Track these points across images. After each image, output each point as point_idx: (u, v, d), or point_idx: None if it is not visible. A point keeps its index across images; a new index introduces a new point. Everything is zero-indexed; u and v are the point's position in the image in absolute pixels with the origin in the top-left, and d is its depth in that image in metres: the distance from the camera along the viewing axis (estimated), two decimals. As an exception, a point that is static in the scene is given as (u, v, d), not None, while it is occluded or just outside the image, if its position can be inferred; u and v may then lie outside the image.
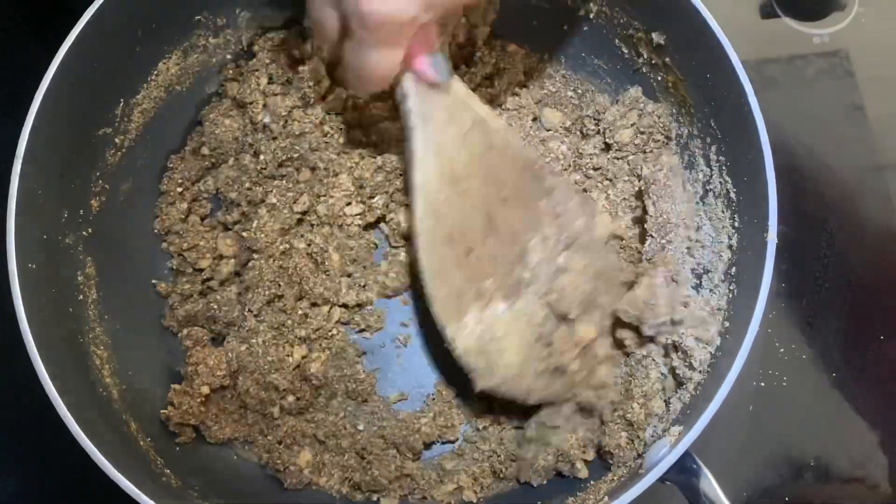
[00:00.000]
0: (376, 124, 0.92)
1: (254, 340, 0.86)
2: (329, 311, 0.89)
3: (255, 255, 0.88)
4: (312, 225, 0.90)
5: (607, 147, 0.91)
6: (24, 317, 0.71)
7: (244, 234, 0.88)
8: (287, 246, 0.89)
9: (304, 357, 0.87)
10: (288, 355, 0.86)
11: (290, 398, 0.85)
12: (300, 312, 0.88)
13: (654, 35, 0.84)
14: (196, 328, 0.88)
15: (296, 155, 0.89)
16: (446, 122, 0.73)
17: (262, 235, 0.87)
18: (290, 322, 0.87)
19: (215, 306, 0.87)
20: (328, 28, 0.68)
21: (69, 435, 0.69)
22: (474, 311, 0.75)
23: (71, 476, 0.88)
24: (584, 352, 0.79)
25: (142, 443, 0.79)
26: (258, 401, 0.84)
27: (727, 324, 0.77)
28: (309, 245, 0.89)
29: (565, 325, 0.78)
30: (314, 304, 0.88)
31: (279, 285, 0.87)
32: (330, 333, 0.89)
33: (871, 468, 0.90)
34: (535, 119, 0.94)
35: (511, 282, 0.76)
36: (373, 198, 0.91)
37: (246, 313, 0.87)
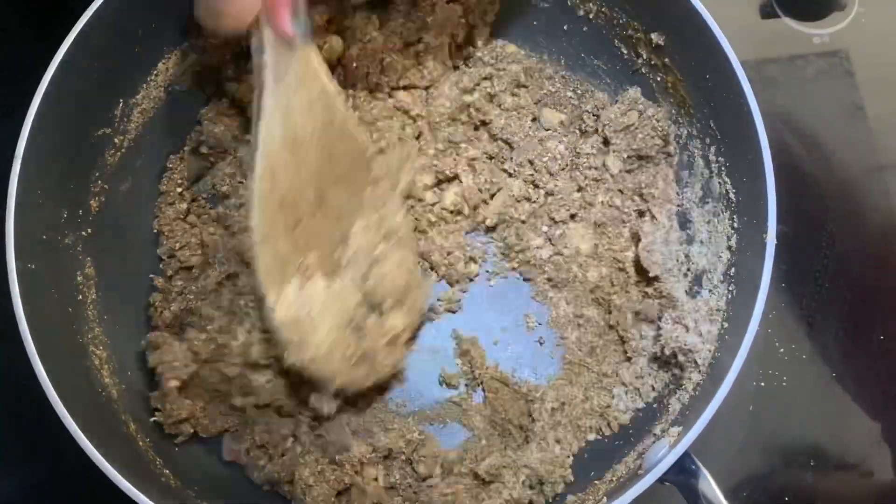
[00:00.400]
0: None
1: (210, 327, 0.84)
2: None
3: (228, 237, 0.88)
4: None
5: (606, 144, 0.91)
6: (24, 317, 0.71)
7: (220, 212, 0.88)
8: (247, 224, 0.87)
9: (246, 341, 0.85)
10: (233, 339, 0.83)
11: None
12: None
13: (653, 35, 0.84)
14: (152, 333, 0.86)
15: None
16: (296, 86, 0.71)
17: (234, 212, 0.87)
18: (241, 304, 0.85)
19: (191, 297, 0.87)
20: None
21: (68, 435, 0.69)
22: (295, 283, 0.74)
23: (70, 476, 0.88)
24: (390, 342, 0.80)
25: (141, 443, 0.79)
26: (221, 391, 0.84)
27: (726, 324, 0.77)
28: None
29: (376, 314, 0.79)
30: None
31: (231, 262, 0.86)
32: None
33: (872, 468, 0.90)
34: (534, 119, 0.94)
35: (332, 261, 0.77)
36: None
37: (201, 302, 0.87)
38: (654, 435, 0.79)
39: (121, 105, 0.87)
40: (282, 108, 0.70)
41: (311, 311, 0.75)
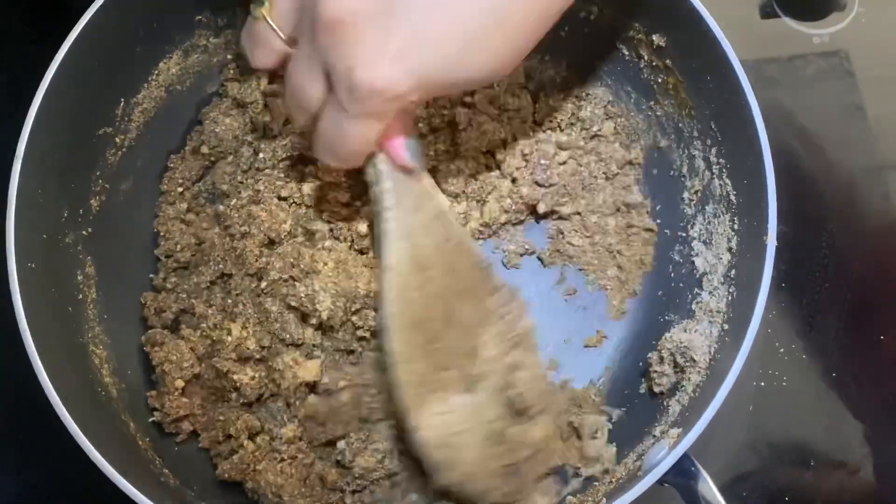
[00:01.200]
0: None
1: (203, 325, 0.84)
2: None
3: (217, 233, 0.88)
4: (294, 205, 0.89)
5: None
6: (24, 316, 0.71)
7: (220, 210, 0.88)
8: (247, 229, 0.86)
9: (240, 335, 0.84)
10: (228, 334, 0.83)
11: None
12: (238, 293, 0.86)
13: (654, 37, 0.84)
14: (151, 330, 0.85)
15: (295, 153, 0.89)
16: (416, 208, 0.73)
17: (234, 213, 0.86)
18: (230, 302, 0.85)
19: (184, 296, 0.86)
20: (309, 95, 0.67)
21: (68, 434, 0.68)
22: (436, 403, 0.74)
23: (69, 476, 0.88)
24: (536, 452, 0.78)
25: (140, 442, 0.79)
26: (217, 388, 0.83)
27: (726, 326, 0.77)
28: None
29: (518, 423, 0.77)
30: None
31: (227, 263, 0.86)
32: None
33: (871, 468, 0.90)
34: (535, 122, 0.94)
35: (467, 376, 0.76)
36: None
37: (194, 300, 0.86)
38: (654, 436, 0.78)
39: (122, 104, 0.87)
40: (406, 231, 0.72)
41: (452, 430, 0.74)
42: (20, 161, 0.75)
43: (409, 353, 0.73)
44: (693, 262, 0.86)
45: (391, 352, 0.73)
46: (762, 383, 0.91)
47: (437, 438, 0.74)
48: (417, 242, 0.73)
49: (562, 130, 0.94)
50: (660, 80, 0.88)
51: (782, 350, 0.93)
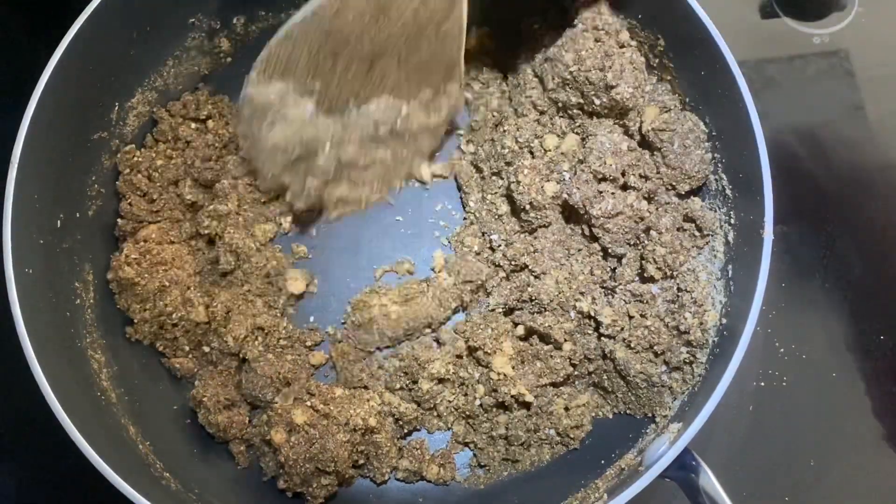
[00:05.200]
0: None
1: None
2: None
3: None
4: None
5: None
6: (22, 321, 0.74)
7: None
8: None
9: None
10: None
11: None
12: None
13: (650, 34, 0.88)
14: (177, 359, 0.91)
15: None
16: None
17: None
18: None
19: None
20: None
21: (67, 437, 0.72)
22: (281, 87, 0.81)
23: (70, 479, 0.91)
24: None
25: (141, 446, 0.82)
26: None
27: (724, 320, 0.80)
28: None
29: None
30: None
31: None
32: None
33: (871, 467, 0.93)
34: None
35: (335, 103, 0.83)
36: None
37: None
38: (655, 432, 0.82)
39: (116, 108, 0.91)
40: None
41: (279, 111, 0.81)
42: (16, 166, 0.78)
43: (302, 38, 0.78)
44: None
45: (293, 17, 0.78)
46: (762, 383, 0.94)
47: (258, 103, 0.82)
48: None
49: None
50: (656, 76, 0.91)
51: (782, 350, 0.96)
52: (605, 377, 0.87)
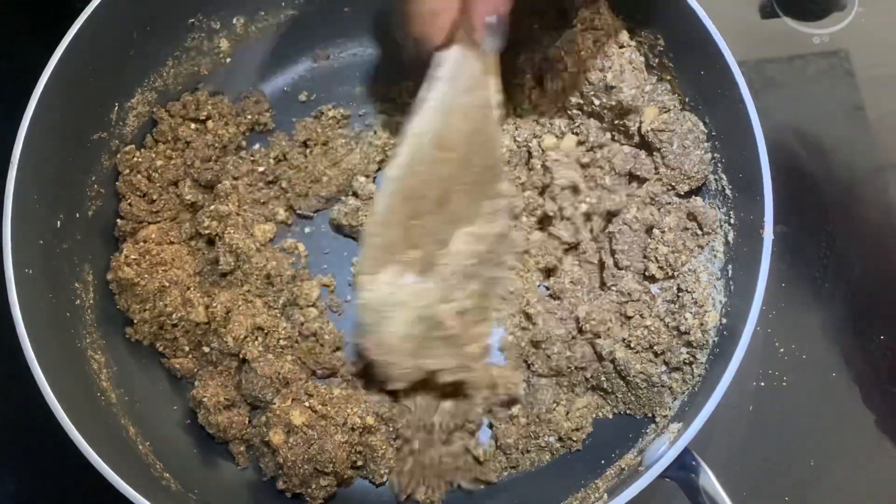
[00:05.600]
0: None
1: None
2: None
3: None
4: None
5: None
6: (22, 322, 0.74)
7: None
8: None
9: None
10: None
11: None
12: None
13: (650, 33, 0.88)
14: (177, 359, 0.91)
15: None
16: (466, 90, 0.76)
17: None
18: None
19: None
20: None
21: (68, 439, 0.72)
22: (390, 273, 0.80)
23: (70, 480, 0.91)
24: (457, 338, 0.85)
25: (140, 447, 0.82)
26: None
27: (724, 320, 0.80)
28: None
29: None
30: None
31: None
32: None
33: (871, 467, 0.93)
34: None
35: (429, 261, 0.82)
36: None
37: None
38: (655, 432, 0.82)
39: (116, 109, 0.91)
40: (444, 107, 0.75)
41: (393, 302, 0.80)
42: (16, 166, 0.78)
43: (391, 218, 0.77)
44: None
45: (374, 210, 0.78)
46: (762, 383, 0.95)
47: (375, 303, 0.80)
48: (450, 122, 0.76)
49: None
50: (655, 76, 0.90)
51: (782, 350, 0.96)
52: (603, 378, 0.88)
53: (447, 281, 0.82)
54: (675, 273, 0.84)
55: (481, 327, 0.88)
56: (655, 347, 0.83)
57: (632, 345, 0.84)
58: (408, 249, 0.80)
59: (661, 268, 0.85)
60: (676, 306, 0.83)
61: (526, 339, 0.91)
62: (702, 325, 0.80)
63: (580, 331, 0.88)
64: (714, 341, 0.80)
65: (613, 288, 0.89)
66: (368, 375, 0.90)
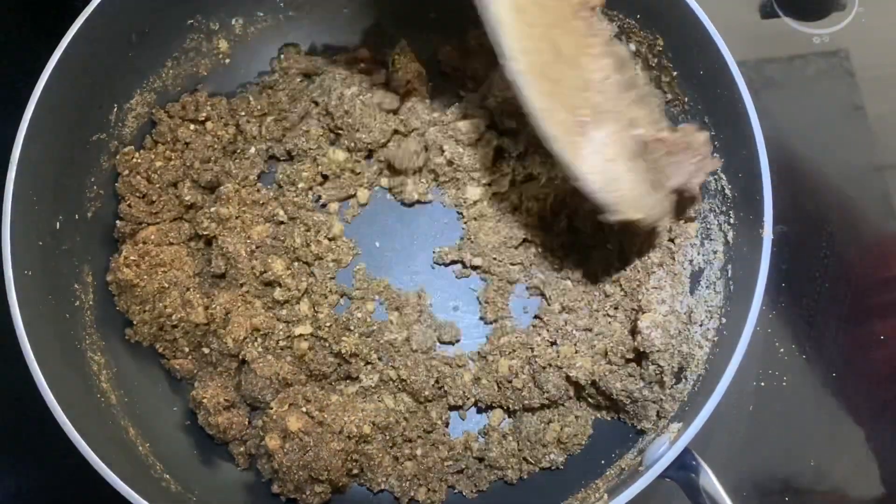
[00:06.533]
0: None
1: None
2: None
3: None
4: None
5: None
6: (22, 323, 0.75)
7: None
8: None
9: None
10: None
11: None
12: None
13: (649, 33, 0.89)
14: (176, 360, 0.92)
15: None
16: None
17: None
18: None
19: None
20: None
21: (68, 440, 0.72)
22: (584, 144, 0.77)
23: (69, 479, 0.92)
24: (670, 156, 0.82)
25: (140, 448, 0.82)
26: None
27: (724, 320, 0.81)
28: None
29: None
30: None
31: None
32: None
33: (871, 467, 0.93)
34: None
35: (593, 107, 0.78)
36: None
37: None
38: (654, 432, 0.83)
39: (115, 110, 0.91)
40: None
41: (608, 158, 0.77)
42: (15, 168, 0.79)
43: (547, 104, 0.75)
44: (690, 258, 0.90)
45: (533, 110, 0.74)
46: (762, 383, 0.95)
47: (600, 176, 0.77)
48: None
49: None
50: (654, 75, 0.92)
51: (782, 350, 0.96)
52: (590, 399, 0.89)
53: (618, 111, 0.80)
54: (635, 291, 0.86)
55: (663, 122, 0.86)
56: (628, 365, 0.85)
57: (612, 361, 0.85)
58: (574, 113, 0.77)
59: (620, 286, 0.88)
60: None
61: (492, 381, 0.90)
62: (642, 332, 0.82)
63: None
64: (713, 342, 0.81)
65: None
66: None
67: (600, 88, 0.79)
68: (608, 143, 0.77)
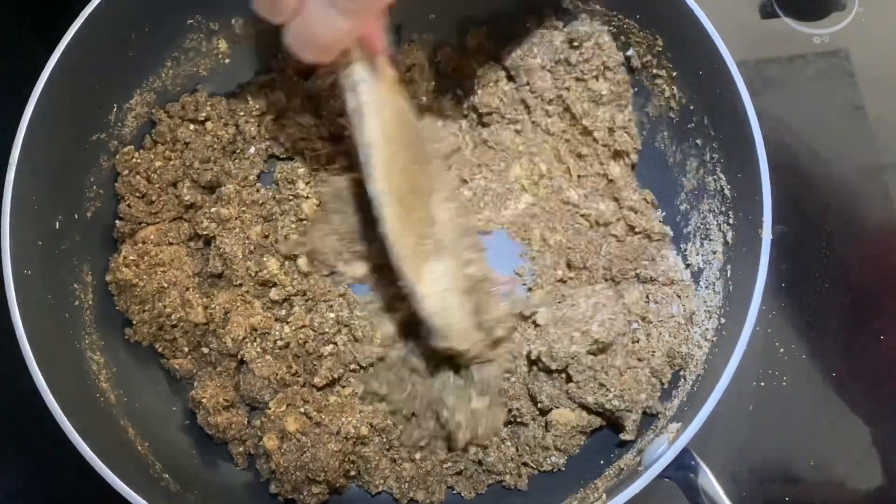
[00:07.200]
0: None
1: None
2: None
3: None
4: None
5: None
6: (21, 323, 0.75)
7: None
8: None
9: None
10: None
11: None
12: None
13: (649, 34, 0.89)
14: (176, 360, 0.92)
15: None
16: (381, 88, 0.79)
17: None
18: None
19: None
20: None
21: (67, 440, 0.72)
22: (426, 271, 0.83)
23: (69, 481, 0.92)
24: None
25: (140, 447, 0.82)
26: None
27: (724, 320, 0.81)
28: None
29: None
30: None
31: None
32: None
33: (871, 468, 0.93)
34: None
35: (436, 241, 0.85)
36: None
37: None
38: (653, 431, 0.82)
39: (115, 110, 0.91)
40: (376, 108, 0.78)
41: (443, 288, 0.83)
42: (14, 167, 0.78)
43: (399, 227, 0.80)
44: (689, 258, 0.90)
45: (387, 230, 0.79)
46: (762, 383, 0.95)
47: (437, 302, 0.83)
48: (385, 117, 0.78)
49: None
50: (653, 75, 0.92)
51: (782, 350, 0.96)
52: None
53: (457, 251, 0.87)
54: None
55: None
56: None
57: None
58: (421, 243, 0.83)
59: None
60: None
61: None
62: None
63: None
64: (713, 342, 0.81)
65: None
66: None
67: (444, 227, 0.88)
68: (447, 275, 0.84)
